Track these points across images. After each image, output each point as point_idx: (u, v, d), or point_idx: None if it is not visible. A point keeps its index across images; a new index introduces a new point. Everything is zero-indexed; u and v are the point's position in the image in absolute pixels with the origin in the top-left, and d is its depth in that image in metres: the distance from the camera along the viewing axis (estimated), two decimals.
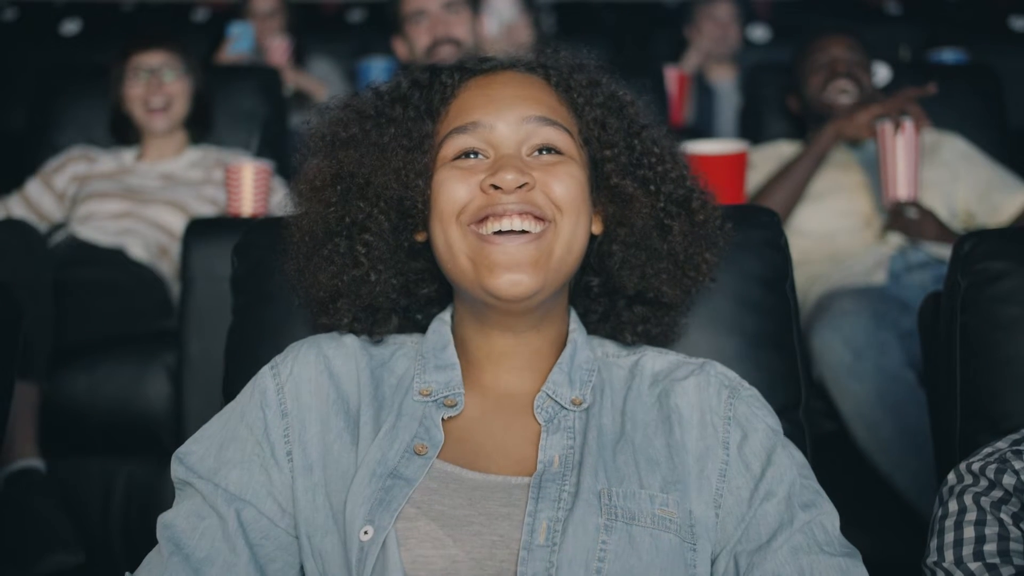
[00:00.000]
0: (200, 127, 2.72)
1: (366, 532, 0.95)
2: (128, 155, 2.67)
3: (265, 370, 1.09)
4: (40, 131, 2.87)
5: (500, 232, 1.04)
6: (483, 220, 1.04)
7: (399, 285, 1.13)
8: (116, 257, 2.39)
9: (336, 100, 1.18)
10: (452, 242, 1.06)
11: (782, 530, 1.00)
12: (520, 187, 1.04)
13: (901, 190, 2.24)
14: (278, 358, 1.10)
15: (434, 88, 1.13)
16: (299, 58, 3.79)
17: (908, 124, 2.22)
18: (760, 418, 1.07)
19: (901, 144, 2.22)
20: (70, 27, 4.47)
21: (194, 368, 1.75)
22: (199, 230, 1.80)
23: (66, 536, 1.91)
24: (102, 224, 2.46)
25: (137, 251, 2.42)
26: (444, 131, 1.10)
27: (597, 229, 1.14)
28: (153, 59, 2.62)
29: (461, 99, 1.11)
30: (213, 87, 2.76)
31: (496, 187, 1.03)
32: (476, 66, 1.14)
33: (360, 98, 1.16)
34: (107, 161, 2.65)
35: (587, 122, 1.13)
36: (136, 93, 2.61)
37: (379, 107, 1.13)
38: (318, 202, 1.12)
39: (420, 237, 1.13)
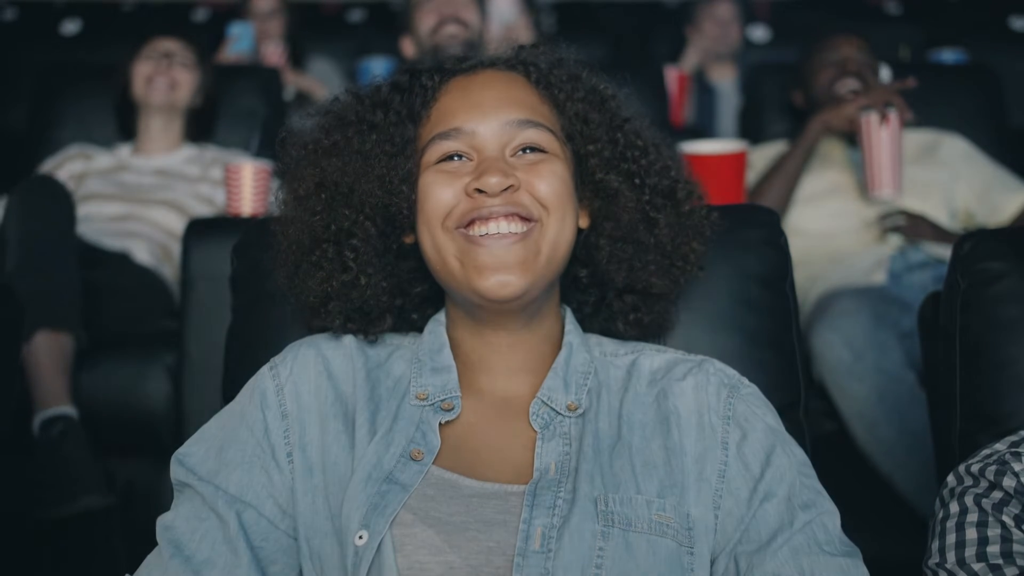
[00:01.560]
0: (199, 127, 2.71)
1: (360, 537, 0.95)
2: (124, 150, 2.67)
3: (264, 371, 1.09)
4: (40, 131, 2.87)
5: (487, 235, 1.03)
6: (470, 223, 1.04)
7: (390, 287, 1.12)
8: (121, 261, 2.39)
9: (316, 107, 1.17)
10: (440, 245, 1.06)
11: (782, 531, 0.99)
12: (505, 189, 1.03)
13: (885, 181, 2.27)
14: (277, 359, 1.10)
15: (414, 91, 1.12)
16: (299, 58, 3.78)
17: (892, 116, 2.27)
18: (759, 417, 1.06)
19: (886, 135, 2.27)
20: (70, 27, 4.47)
21: (194, 368, 1.75)
22: (198, 230, 1.80)
23: (97, 479, 1.96)
24: (103, 226, 2.46)
25: (142, 255, 2.42)
26: (427, 136, 1.09)
27: (584, 223, 1.13)
28: (168, 45, 2.67)
29: (442, 103, 1.10)
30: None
31: (481, 191, 1.03)
32: (455, 66, 1.13)
33: (341, 103, 1.15)
34: (104, 158, 2.64)
35: (569, 117, 1.13)
36: (144, 71, 2.64)
37: (360, 112, 1.13)
38: (303, 210, 1.11)
39: (408, 240, 1.12)
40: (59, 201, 2.19)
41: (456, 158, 1.07)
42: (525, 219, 1.04)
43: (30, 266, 2.08)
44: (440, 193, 1.06)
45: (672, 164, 1.17)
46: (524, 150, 1.07)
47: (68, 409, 2.03)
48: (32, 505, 1.91)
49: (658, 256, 1.14)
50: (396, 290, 1.14)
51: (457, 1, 2.71)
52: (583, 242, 1.14)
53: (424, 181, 1.07)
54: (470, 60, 1.15)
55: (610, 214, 1.12)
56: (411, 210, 1.09)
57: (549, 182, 1.06)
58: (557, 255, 1.07)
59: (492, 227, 1.03)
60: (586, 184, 1.13)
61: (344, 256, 1.10)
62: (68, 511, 1.92)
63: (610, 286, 1.15)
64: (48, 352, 2.03)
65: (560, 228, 1.06)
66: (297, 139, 1.15)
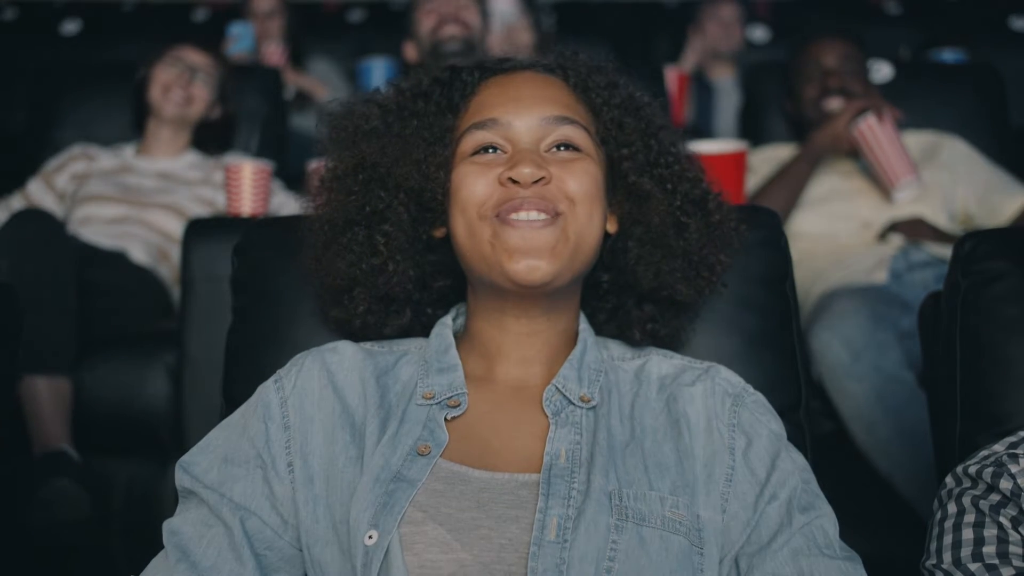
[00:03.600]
0: (214, 141, 2.69)
1: (370, 537, 0.95)
2: (128, 150, 2.67)
3: (269, 383, 1.09)
4: (40, 131, 2.87)
5: (518, 219, 1.05)
6: (501, 213, 1.06)
7: (415, 277, 1.15)
8: (117, 260, 2.39)
9: (358, 96, 1.20)
10: (475, 231, 1.07)
11: (781, 532, 1.01)
12: (537, 181, 1.05)
13: (904, 170, 2.34)
14: (282, 371, 1.10)
15: (454, 86, 1.14)
16: (299, 58, 3.78)
17: (885, 113, 2.35)
18: (764, 424, 1.07)
19: (887, 129, 2.34)
20: (70, 27, 4.46)
21: (194, 368, 1.75)
22: (199, 230, 1.79)
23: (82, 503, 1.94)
24: (101, 228, 2.46)
25: (138, 255, 2.42)
26: (464, 126, 1.11)
27: (612, 228, 1.15)
28: (195, 58, 2.65)
29: (481, 96, 1.13)
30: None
31: (514, 180, 1.05)
32: (496, 65, 1.16)
33: (382, 94, 1.18)
34: (107, 158, 2.64)
35: (604, 122, 1.14)
36: (164, 78, 2.62)
37: (401, 102, 1.15)
38: (339, 191, 1.14)
39: (438, 233, 1.14)
40: (51, 234, 2.14)
41: (491, 150, 1.09)
42: (555, 214, 1.06)
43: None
44: (474, 184, 1.08)
45: (702, 176, 1.18)
46: (559, 147, 1.09)
47: (68, 448, 2.02)
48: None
49: (685, 263, 1.15)
50: (419, 282, 1.16)
51: (457, 2, 2.73)
52: (610, 247, 1.15)
53: (459, 172, 1.09)
54: (511, 61, 1.17)
55: (641, 217, 1.14)
56: (444, 198, 1.11)
57: (580, 179, 1.07)
58: (585, 246, 1.08)
59: (523, 215, 1.05)
60: (618, 187, 1.15)
61: (375, 240, 1.12)
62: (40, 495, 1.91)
63: (633, 291, 1.17)
64: (46, 399, 2.02)
65: (588, 221, 1.07)
66: (337, 123, 1.17)
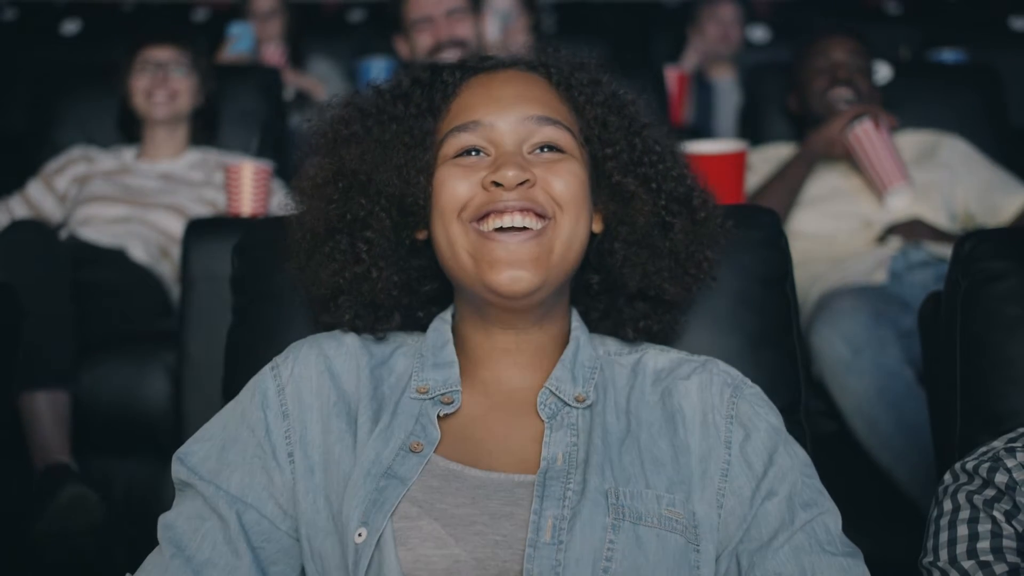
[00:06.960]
0: (204, 129, 2.71)
1: (360, 534, 0.95)
2: (128, 153, 2.67)
3: (266, 370, 1.09)
4: (40, 131, 2.87)
5: (501, 229, 1.04)
6: (484, 217, 1.04)
7: (400, 283, 1.13)
8: (117, 258, 2.39)
9: (337, 99, 1.18)
10: (454, 239, 1.06)
11: (783, 529, 1.00)
12: (521, 184, 1.04)
13: (897, 175, 2.35)
14: (278, 358, 1.10)
15: (435, 86, 1.13)
16: (299, 58, 3.78)
17: (880, 120, 2.37)
18: (762, 417, 1.06)
19: (884, 135, 2.35)
20: (70, 27, 4.47)
21: (194, 368, 1.75)
22: (199, 230, 1.79)
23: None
24: (103, 227, 2.46)
25: (138, 253, 2.42)
26: (445, 129, 1.10)
27: (598, 228, 1.14)
28: (161, 54, 2.64)
29: (463, 97, 1.11)
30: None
31: (497, 184, 1.04)
32: (477, 64, 1.15)
33: (361, 96, 1.16)
34: (107, 160, 2.64)
35: (588, 121, 1.13)
36: (142, 85, 2.62)
37: (380, 105, 1.13)
38: (319, 199, 1.12)
39: (421, 235, 1.13)
40: (47, 247, 2.13)
41: (474, 153, 1.08)
42: (540, 216, 1.05)
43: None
44: (456, 186, 1.06)
45: (688, 173, 1.17)
46: (542, 148, 1.08)
47: (70, 462, 2.01)
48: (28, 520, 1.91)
49: (671, 262, 1.14)
50: (405, 287, 1.14)
51: (453, 22, 2.70)
52: (596, 247, 1.14)
53: (440, 174, 1.08)
54: (492, 60, 1.16)
55: (626, 218, 1.13)
56: (426, 203, 1.09)
57: (566, 181, 1.06)
58: (570, 255, 1.07)
59: (507, 220, 1.04)
60: (602, 187, 1.14)
61: (357, 247, 1.10)
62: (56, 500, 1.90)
63: (622, 291, 1.16)
64: (46, 414, 2.02)
65: (574, 227, 1.07)
66: (317, 129, 1.16)
